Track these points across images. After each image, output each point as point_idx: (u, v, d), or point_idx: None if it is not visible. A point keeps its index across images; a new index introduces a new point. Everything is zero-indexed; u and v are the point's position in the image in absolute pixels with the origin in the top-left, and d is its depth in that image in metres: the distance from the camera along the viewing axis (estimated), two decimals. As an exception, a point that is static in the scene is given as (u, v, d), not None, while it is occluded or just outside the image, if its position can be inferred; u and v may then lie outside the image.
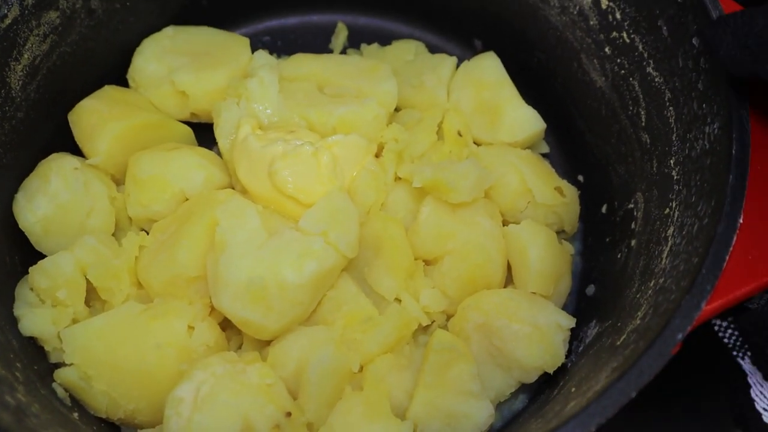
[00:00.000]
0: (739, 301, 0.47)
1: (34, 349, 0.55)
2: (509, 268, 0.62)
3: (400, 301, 0.58)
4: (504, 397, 0.58)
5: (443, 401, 0.54)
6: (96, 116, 0.62)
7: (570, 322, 0.57)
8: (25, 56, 0.59)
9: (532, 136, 0.68)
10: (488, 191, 0.62)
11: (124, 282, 0.57)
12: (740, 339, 0.63)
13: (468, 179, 0.58)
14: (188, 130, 0.67)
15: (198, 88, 0.65)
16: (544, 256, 0.60)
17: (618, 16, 0.59)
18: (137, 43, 0.67)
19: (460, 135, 0.65)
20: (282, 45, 0.75)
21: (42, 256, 0.58)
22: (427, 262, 0.61)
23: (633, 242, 0.59)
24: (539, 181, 0.63)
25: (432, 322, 0.59)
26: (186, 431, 0.48)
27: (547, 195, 0.63)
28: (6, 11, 0.55)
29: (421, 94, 0.68)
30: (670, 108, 0.55)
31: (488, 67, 0.68)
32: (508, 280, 0.63)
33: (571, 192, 0.66)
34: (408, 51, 0.72)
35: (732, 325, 0.63)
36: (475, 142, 0.67)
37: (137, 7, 0.66)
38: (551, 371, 0.56)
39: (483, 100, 0.67)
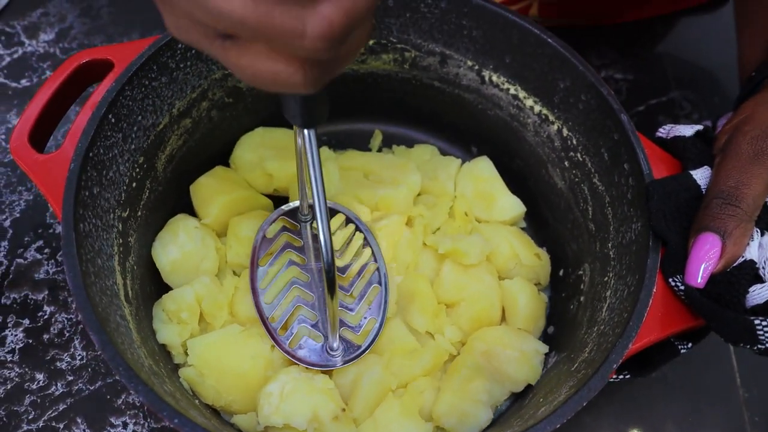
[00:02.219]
0: (653, 343, 0.53)
1: (165, 352, 0.61)
2: (504, 311, 0.68)
3: (431, 335, 0.64)
4: (499, 403, 0.63)
5: (461, 404, 0.59)
6: (209, 189, 0.69)
7: (545, 348, 0.63)
8: (167, 149, 0.65)
9: (516, 217, 0.74)
10: (489, 256, 0.68)
11: (224, 311, 0.63)
12: None
13: (476, 248, 0.65)
14: (270, 201, 0.73)
15: (280, 171, 0.71)
16: (528, 302, 0.66)
17: (574, 141, 0.66)
18: (238, 138, 0.74)
19: (466, 215, 0.72)
20: (335, 143, 0.81)
21: (170, 288, 0.63)
22: (447, 306, 0.67)
23: (582, 298, 0.65)
24: (524, 249, 0.69)
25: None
26: (275, 414, 0.54)
27: (529, 259, 0.69)
28: (161, 119, 0.63)
29: (436, 184, 0.74)
30: (609, 208, 0.62)
31: (483, 167, 0.75)
32: (503, 320, 0.68)
33: (545, 257, 0.72)
34: (426, 153, 0.78)
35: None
36: (476, 220, 0.73)
37: (240, 116, 0.73)
38: (533, 383, 0.62)
39: (480, 190, 0.74)
